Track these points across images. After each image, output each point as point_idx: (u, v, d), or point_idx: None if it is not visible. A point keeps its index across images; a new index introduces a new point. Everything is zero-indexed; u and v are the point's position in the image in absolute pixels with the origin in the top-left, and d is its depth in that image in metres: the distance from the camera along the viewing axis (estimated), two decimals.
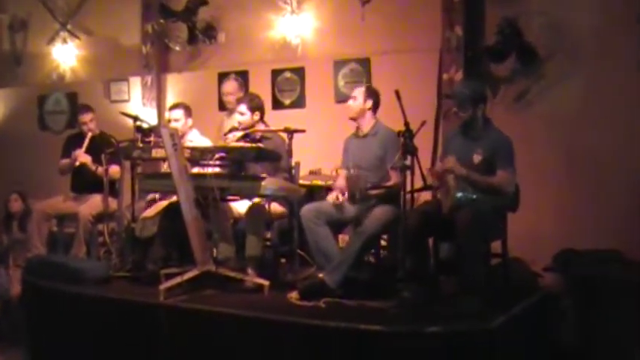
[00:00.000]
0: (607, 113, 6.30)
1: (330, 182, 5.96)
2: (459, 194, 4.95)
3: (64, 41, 9.55)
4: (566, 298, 5.67)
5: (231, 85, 7.50)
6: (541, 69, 6.58)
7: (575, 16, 6.43)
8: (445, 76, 6.79)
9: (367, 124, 5.81)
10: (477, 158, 5.10)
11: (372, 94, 5.82)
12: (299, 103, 7.93)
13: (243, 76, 8.14)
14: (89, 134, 7.19)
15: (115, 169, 6.97)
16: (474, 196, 4.95)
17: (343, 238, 5.96)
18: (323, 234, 5.53)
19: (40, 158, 8.79)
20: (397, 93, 5.01)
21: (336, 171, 5.68)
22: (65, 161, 7.17)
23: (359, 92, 5.83)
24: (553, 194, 6.42)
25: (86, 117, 7.31)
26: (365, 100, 5.78)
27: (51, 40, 9.60)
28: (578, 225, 6.23)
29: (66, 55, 9.55)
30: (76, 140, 7.31)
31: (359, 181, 5.54)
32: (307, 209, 5.61)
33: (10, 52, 9.99)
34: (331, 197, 5.70)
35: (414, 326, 4.51)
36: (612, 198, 6.18)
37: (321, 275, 5.37)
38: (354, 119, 5.84)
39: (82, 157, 7.05)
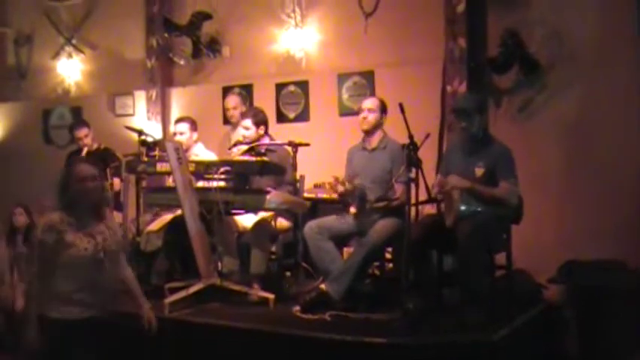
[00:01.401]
0: (609, 123, 6.29)
1: (334, 196, 5.95)
2: (463, 207, 4.96)
3: (69, 56, 9.59)
4: (569, 308, 5.66)
5: (233, 100, 7.54)
6: (543, 79, 6.58)
7: (577, 26, 6.44)
8: (449, 88, 6.80)
9: (377, 137, 5.81)
10: (478, 171, 5.11)
11: (384, 106, 5.83)
12: (303, 116, 7.94)
13: (247, 90, 8.19)
14: (85, 149, 7.23)
15: (116, 183, 7.00)
16: (479, 209, 4.96)
17: (348, 251, 5.97)
18: (327, 249, 5.53)
19: (44, 172, 8.80)
20: (401, 106, 5.02)
21: (335, 179, 5.66)
22: None
23: (374, 104, 5.80)
24: (557, 205, 6.42)
25: (80, 132, 7.35)
26: (381, 113, 5.79)
27: (56, 55, 9.65)
28: (582, 235, 6.21)
29: (71, 70, 9.59)
30: (75, 157, 7.34)
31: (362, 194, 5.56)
32: (309, 226, 5.61)
33: (15, 66, 10.03)
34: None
35: (418, 338, 4.52)
36: (616, 208, 6.17)
37: (323, 286, 5.37)
38: (367, 132, 5.82)
39: None
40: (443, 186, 5.20)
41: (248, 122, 6.16)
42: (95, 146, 7.34)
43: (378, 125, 5.80)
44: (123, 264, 4.28)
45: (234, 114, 7.33)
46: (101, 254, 3.92)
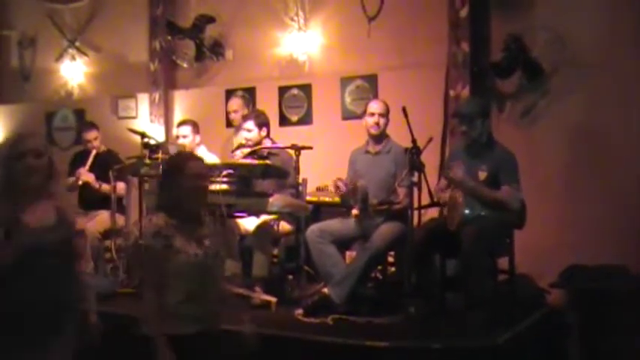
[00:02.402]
0: (613, 127, 6.30)
1: (336, 199, 5.96)
2: (467, 211, 4.96)
3: (72, 58, 9.60)
4: (571, 313, 5.66)
5: (235, 103, 7.55)
6: (547, 84, 6.58)
7: (580, 30, 6.43)
8: (452, 93, 6.80)
9: (382, 140, 5.81)
10: (482, 175, 5.11)
11: (389, 110, 5.83)
12: (306, 119, 7.94)
13: (250, 93, 8.19)
14: (93, 152, 7.23)
15: (120, 186, 7.01)
16: (482, 213, 4.96)
17: (351, 255, 5.96)
18: (329, 253, 5.54)
19: None
20: (404, 110, 5.02)
21: (338, 179, 5.67)
22: (70, 179, 7.19)
23: (384, 109, 5.79)
24: (559, 209, 6.41)
25: (90, 135, 7.35)
26: (388, 117, 5.79)
27: (59, 57, 9.66)
28: (585, 240, 6.20)
29: (74, 72, 9.60)
30: (81, 157, 7.35)
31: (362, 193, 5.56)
32: (312, 229, 5.62)
33: (18, 68, 10.04)
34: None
35: (420, 342, 4.51)
36: (618, 212, 6.17)
37: (325, 290, 5.37)
38: (376, 136, 5.82)
39: (84, 175, 7.09)
40: (448, 176, 5.20)
41: (250, 124, 6.16)
42: (103, 148, 7.34)
43: (385, 129, 5.81)
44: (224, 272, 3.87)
45: (236, 117, 7.34)
46: (210, 261, 3.50)
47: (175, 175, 3.53)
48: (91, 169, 7.13)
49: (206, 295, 3.46)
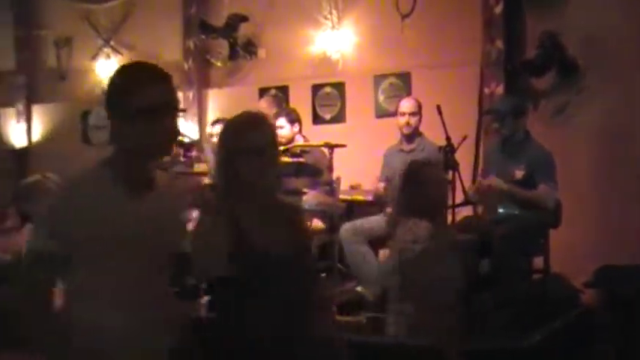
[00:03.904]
0: None
1: (370, 197, 5.96)
2: (501, 210, 4.94)
3: (107, 57, 9.67)
4: (605, 313, 5.61)
5: (265, 101, 7.57)
6: (581, 82, 6.53)
7: (615, 28, 6.38)
8: (486, 91, 6.76)
9: (415, 138, 5.80)
10: (518, 173, 5.09)
11: (421, 107, 5.82)
12: (339, 117, 7.94)
13: (283, 92, 8.20)
14: None
15: None
16: (516, 212, 4.94)
17: (384, 253, 5.96)
18: (362, 251, 5.54)
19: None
20: (439, 108, 5.02)
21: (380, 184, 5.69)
22: None
23: (416, 107, 5.78)
24: (594, 208, 6.36)
25: None
26: (420, 115, 5.78)
27: (94, 56, 9.74)
28: (620, 239, 6.16)
29: (109, 71, 9.66)
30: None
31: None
32: (345, 228, 5.62)
33: (55, 68, 10.14)
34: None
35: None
36: None
37: (359, 288, 5.38)
38: (409, 135, 5.81)
39: None
40: (479, 188, 5.19)
41: (282, 121, 6.19)
42: None
43: (418, 127, 5.80)
44: None
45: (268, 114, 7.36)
46: None
47: (420, 181, 3.67)
48: None
49: None
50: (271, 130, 2.87)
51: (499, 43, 6.75)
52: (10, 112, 10.28)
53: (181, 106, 8.79)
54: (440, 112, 5.03)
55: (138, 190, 2.46)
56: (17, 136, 10.21)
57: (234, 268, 2.55)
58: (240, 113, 2.87)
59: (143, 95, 2.39)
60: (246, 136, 2.73)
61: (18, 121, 10.20)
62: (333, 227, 5.87)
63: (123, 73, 2.53)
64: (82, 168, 2.66)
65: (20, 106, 10.21)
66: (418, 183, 3.65)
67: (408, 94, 7.27)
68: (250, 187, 2.72)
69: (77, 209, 2.37)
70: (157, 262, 2.53)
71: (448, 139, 5.00)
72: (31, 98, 10.25)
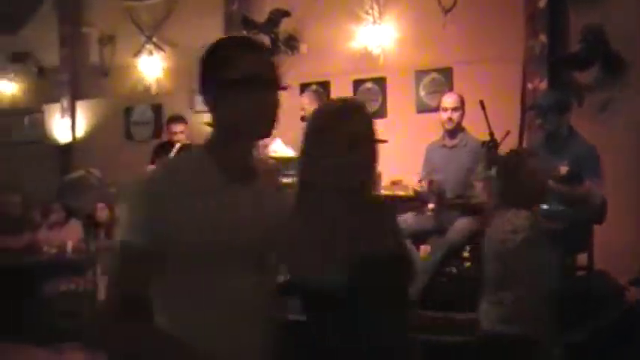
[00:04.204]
0: None
1: (411, 193, 5.94)
2: (545, 206, 4.89)
3: (150, 53, 9.76)
4: None
5: (306, 97, 7.56)
6: (627, 77, 6.45)
7: None
8: (530, 86, 6.70)
9: (457, 134, 5.78)
10: (563, 170, 5.04)
11: (464, 102, 5.79)
12: (380, 113, 7.92)
13: (324, 87, 8.21)
14: (178, 144, 7.33)
15: None
16: (560, 208, 4.89)
17: (425, 250, 5.95)
18: None
19: (126, 168, 8.99)
20: (482, 103, 4.99)
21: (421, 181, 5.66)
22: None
23: (458, 102, 5.75)
24: (639, 205, 6.28)
25: (178, 127, 7.47)
26: (463, 110, 5.75)
27: (137, 53, 9.84)
28: None
29: (151, 67, 9.77)
30: (164, 149, 7.43)
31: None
32: None
33: (98, 64, 10.27)
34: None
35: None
36: None
37: None
38: (451, 131, 5.79)
39: None
40: None
41: None
42: (188, 142, 7.44)
43: (460, 123, 5.77)
44: None
45: (306, 111, 7.36)
46: None
47: (521, 171, 3.67)
48: None
49: None
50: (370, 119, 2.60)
51: (543, 38, 6.70)
52: (55, 108, 10.46)
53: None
54: (483, 107, 5.00)
55: (240, 178, 2.32)
56: (61, 132, 10.37)
57: (347, 278, 2.30)
58: (335, 99, 2.78)
59: (244, 64, 2.28)
60: (348, 124, 2.48)
61: (62, 117, 10.36)
62: None
63: (220, 45, 2.39)
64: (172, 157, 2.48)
65: (65, 103, 10.39)
66: (522, 173, 3.67)
67: (450, 89, 7.24)
68: (351, 183, 2.49)
69: (177, 198, 2.18)
70: (260, 259, 2.32)
71: (491, 134, 4.97)
72: (75, 95, 10.43)
